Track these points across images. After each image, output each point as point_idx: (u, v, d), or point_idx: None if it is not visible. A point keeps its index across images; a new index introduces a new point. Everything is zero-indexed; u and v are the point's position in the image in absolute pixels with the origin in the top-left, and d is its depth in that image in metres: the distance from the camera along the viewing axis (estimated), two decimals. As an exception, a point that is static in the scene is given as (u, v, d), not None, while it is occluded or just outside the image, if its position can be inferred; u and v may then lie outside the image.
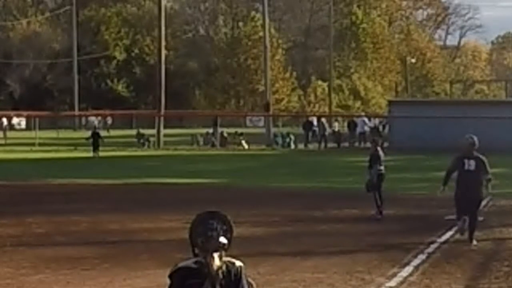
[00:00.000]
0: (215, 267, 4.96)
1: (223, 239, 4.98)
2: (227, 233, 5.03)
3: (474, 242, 15.26)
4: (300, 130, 52.79)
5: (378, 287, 11.73)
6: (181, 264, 5.06)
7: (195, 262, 5.01)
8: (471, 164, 15.03)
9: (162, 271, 12.73)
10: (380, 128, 53.44)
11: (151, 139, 49.37)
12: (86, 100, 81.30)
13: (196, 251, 5.04)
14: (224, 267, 5.01)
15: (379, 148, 19.38)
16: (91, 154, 40.30)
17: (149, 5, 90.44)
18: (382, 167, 18.86)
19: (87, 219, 18.44)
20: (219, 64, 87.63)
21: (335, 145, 49.26)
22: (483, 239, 15.91)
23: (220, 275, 4.98)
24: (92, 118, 72.67)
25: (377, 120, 56.32)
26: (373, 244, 15.18)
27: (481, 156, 15.17)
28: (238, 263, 5.09)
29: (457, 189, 15.34)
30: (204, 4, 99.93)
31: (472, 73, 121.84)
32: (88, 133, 43.30)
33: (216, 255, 4.97)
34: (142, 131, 51.03)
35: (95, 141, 40.77)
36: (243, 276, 5.07)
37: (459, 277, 12.46)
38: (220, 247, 4.98)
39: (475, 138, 15.25)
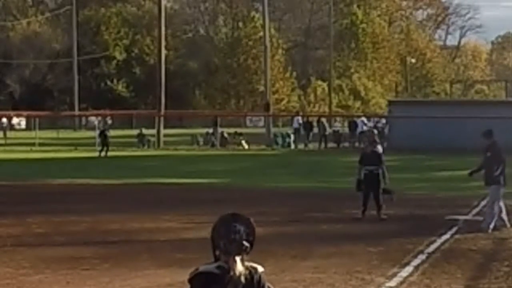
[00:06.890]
0: (237, 272, 4.84)
1: (245, 243, 4.87)
2: (249, 236, 4.90)
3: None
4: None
5: (378, 287, 11.73)
6: (202, 269, 4.89)
7: (217, 267, 4.86)
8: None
9: (162, 271, 12.74)
10: (380, 128, 53.31)
11: (151, 139, 49.36)
12: (86, 100, 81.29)
13: (217, 253, 4.89)
14: (247, 273, 4.90)
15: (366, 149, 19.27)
16: (96, 154, 40.48)
17: (149, 5, 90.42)
18: (370, 168, 18.71)
19: (87, 219, 18.43)
20: (219, 64, 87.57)
21: (335, 145, 49.26)
22: (483, 239, 15.93)
23: (243, 281, 4.86)
24: (92, 118, 72.61)
25: (383, 121, 56.17)
26: (373, 244, 15.17)
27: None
28: (260, 268, 4.98)
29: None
30: (204, 4, 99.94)
31: (472, 73, 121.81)
32: (88, 133, 43.38)
33: (238, 258, 4.85)
34: (143, 131, 51.00)
35: (103, 140, 41.05)
36: (266, 283, 4.99)
37: (459, 277, 12.46)
38: (242, 251, 4.87)
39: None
